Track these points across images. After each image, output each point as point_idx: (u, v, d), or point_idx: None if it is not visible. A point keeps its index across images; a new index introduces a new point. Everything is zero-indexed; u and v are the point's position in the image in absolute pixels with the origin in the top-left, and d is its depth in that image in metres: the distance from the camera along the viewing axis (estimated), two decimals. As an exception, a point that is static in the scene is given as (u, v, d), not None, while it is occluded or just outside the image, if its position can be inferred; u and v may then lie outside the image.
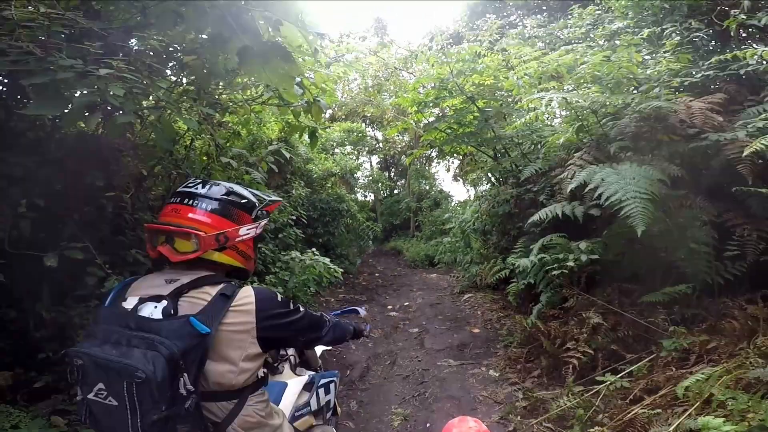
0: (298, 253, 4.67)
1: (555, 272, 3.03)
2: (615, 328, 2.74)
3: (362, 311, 1.86)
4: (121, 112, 1.32)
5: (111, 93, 1.22)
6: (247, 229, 1.22)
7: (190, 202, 1.15)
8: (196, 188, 1.18)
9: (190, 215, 1.14)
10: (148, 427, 0.92)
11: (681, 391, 1.93)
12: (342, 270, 5.19)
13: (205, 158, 3.40)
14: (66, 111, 1.28)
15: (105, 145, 1.98)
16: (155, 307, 1.04)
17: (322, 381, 1.74)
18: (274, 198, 1.41)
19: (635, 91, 3.06)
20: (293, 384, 1.62)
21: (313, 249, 4.90)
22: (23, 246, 1.57)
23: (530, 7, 6.63)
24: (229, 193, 1.21)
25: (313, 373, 1.79)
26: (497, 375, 3.40)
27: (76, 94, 1.33)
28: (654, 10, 3.33)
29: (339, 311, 1.87)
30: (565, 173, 3.04)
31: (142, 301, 1.05)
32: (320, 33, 1.90)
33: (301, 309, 1.23)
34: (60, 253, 1.65)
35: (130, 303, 1.06)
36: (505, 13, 6.96)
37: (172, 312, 1.02)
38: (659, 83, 2.75)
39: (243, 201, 1.23)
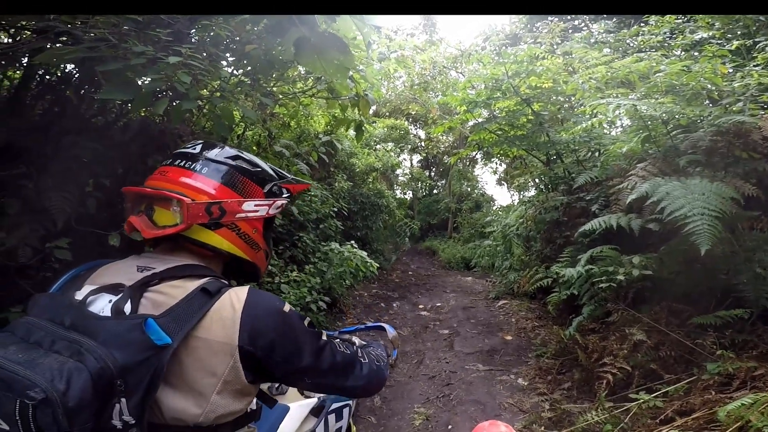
0: (338, 245, 4.70)
1: (602, 285, 2.93)
2: (657, 347, 2.64)
3: (391, 330, 1.39)
4: (184, 98, 1.35)
5: (178, 80, 1.23)
6: (256, 205, 0.92)
7: (183, 163, 0.88)
8: (194, 148, 0.92)
9: (182, 179, 0.86)
10: None
11: (722, 414, 1.86)
12: (377, 265, 5.19)
13: (255, 147, 3.47)
14: (135, 97, 1.30)
15: (166, 130, 2.05)
16: (110, 301, 0.76)
17: (335, 405, 1.42)
18: (297, 179, 1.09)
19: (711, 105, 2.87)
20: (297, 409, 1.31)
21: (352, 242, 4.92)
22: (88, 224, 1.64)
23: (598, 11, 6.31)
24: (237, 157, 0.93)
25: (324, 395, 1.42)
26: (525, 384, 3.34)
27: (145, 81, 1.36)
28: (747, 22, 3.12)
29: (363, 326, 1.49)
30: (624, 184, 2.89)
31: (98, 291, 0.78)
32: (377, 26, 1.86)
33: (323, 337, 0.89)
34: (121, 233, 1.69)
35: (83, 292, 0.78)
36: (569, 17, 6.64)
37: (125, 309, 0.74)
38: (745, 97, 2.55)
39: (254, 168, 0.95)
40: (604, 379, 2.63)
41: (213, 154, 0.91)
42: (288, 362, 0.81)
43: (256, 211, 0.93)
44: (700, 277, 2.68)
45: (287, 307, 0.84)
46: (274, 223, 1.05)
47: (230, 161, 0.91)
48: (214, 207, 0.85)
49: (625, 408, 2.33)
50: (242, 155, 0.95)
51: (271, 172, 0.99)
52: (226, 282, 0.85)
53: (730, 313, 2.42)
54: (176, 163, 0.88)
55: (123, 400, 0.67)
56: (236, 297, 0.79)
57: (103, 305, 0.76)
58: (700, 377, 2.29)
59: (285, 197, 1.02)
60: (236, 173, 0.91)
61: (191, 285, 0.78)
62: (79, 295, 0.78)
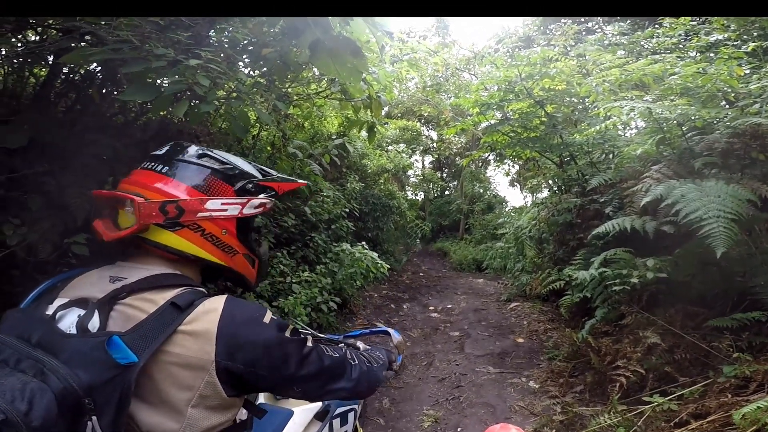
0: (349, 246, 4.73)
1: (616, 288, 2.91)
2: (672, 350, 2.61)
3: (396, 335, 1.37)
4: (202, 101, 1.38)
5: (198, 82, 1.27)
6: (223, 204, 0.87)
7: (149, 164, 0.86)
8: (161, 150, 0.90)
9: (143, 179, 0.84)
10: None
11: (738, 417, 1.83)
12: (388, 266, 5.20)
13: (269, 148, 3.52)
14: (155, 98, 1.34)
15: (184, 130, 2.10)
16: (78, 316, 0.73)
17: (340, 409, 1.38)
18: (284, 177, 1.03)
19: (728, 107, 2.83)
20: (300, 413, 1.28)
21: (363, 243, 4.95)
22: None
23: (613, 13, 6.24)
24: (203, 155, 0.89)
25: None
26: (537, 387, 3.32)
27: (165, 82, 1.40)
28: (763, 24, 3.07)
29: (368, 330, 1.48)
30: (639, 186, 2.86)
31: (68, 305, 0.75)
32: (389, 31, 1.88)
33: (309, 343, 0.84)
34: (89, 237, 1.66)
35: (54, 306, 0.76)
36: (582, 19, 6.58)
37: (92, 325, 0.71)
38: (762, 99, 2.51)
39: (222, 165, 0.90)
40: (617, 381, 2.60)
41: (179, 153, 0.89)
42: (272, 374, 0.78)
43: (224, 210, 0.87)
44: (715, 280, 2.64)
45: (267, 317, 0.79)
46: (252, 224, 0.98)
47: (195, 159, 0.88)
48: (170, 206, 0.81)
49: (639, 411, 2.31)
50: (210, 153, 0.91)
51: (249, 169, 0.95)
52: (204, 291, 0.81)
53: (747, 315, 2.39)
54: (144, 165, 0.87)
55: (94, 418, 0.65)
56: (212, 309, 0.75)
57: (72, 321, 0.73)
58: (715, 380, 2.26)
59: (265, 196, 0.95)
60: (201, 171, 0.87)
61: (161, 298, 0.75)
62: (51, 309, 0.76)
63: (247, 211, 0.91)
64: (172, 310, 0.73)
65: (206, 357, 0.71)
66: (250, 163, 0.99)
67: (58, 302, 0.77)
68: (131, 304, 0.74)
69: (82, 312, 0.73)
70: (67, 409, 0.62)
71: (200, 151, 0.91)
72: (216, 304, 0.76)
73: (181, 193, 0.83)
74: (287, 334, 0.81)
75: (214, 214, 0.86)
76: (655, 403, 2.26)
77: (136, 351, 0.67)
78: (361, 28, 1.89)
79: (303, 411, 1.29)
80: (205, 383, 0.72)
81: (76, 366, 0.65)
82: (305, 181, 1.10)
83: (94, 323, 0.72)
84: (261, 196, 0.95)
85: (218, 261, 0.89)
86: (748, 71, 2.85)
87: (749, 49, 3.00)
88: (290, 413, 1.26)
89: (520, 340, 4.44)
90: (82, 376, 0.64)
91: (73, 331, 0.71)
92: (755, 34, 3.33)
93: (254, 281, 1.01)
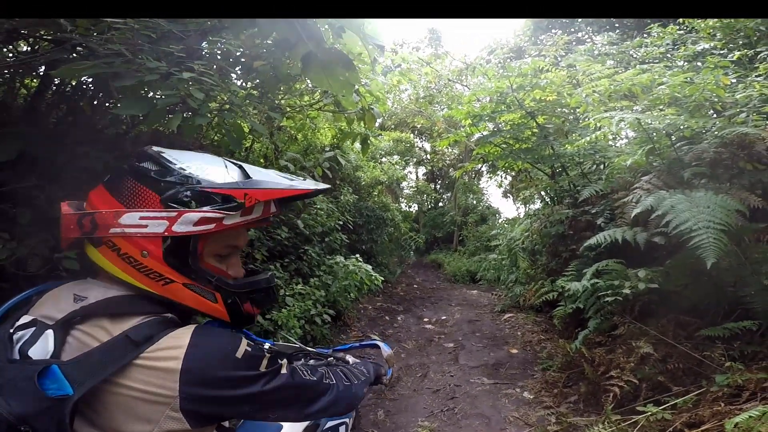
0: (343, 258, 4.71)
1: (608, 299, 2.93)
2: (665, 360, 2.62)
3: (386, 349, 1.35)
4: (196, 113, 1.38)
5: (191, 96, 1.26)
6: (142, 218, 0.71)
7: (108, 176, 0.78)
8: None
9: (90, 192, 0.77)
10: None
11: (730, 426, 1.83)
12: (382, 279, 5.18)
13: (262, 160, 3.52)
14: (149, 112, 1.33)
15: (176, 143, 2.09)
16: (26, 338, 0.68)
17: (330, 423, 1.37)
18: (262, 181, 0.81)
19: (716, 116, 2.88)
20: (290, 427, 1.28)
21: (357, 255, 4.93)
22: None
23: (601, 23, 6.35)
24: (145, 157, 0.76)
25: None
26: (531, 397, 3.32)
27: (158, 95, 1.39)
28: (748, 32, 3.13)
29: (357, 344, 1.48)
30: (629, 197, 2.90)
31: (30, 324, 0.70)
32: (380, 44, 1.90)
33: (283, 371, 0.77)
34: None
35: (19, 323, 0.71)
36: (572, 29, 6.72)
37: (44, 349, 0.66)
38: (748, 108, 2.56)
39: (156, 168, 0.74)
40: (610, 391, 2.61)
41: (131, 159, 0.78)
42: (241, 409, 0.72)
43: (143, 226, 0.71)
44: (707, 290, 2.66)
45: (241, 351, 0.71)
46: (195, 246, 0.76)
47: (134, 162, 0.76)
48: (86, 218, 0.71)
49: (633, 421, 2.31)
50: (158, 155, 0.76)
51: (198, 172, 0.76)
52: (171, 318, 0.74)
53: (738, 324, 2.41)
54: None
55: None
56: (176, 343, 0.67)
57: (23, 342, 0.68)
58: (708, 389, 2.28)
59: (214, 209, 0.74)
60: (128, 176, 0.74)
61: (116, 329, 0.68)
62: (13, 328, 0.70)
63: (178, 228, 0.72)
64: (125, 342, 0.66)
65: (168, 393, 0.65)
66: (237, 165, 0.82)
67: (22, 320, 0.71)
68: (85, 331, 0.68)
69: (30, 334, 0.68)
70: None
71: (147, 152, 0.77)
72: (182, 338, 0.68)
73: (98, 203, 0.73)
74: (261, 368, 0.73)
75: (127, 230, 0.71)
76: (649, 413, 2.27)
77: (74, 382, 0.62)
78: (354, 40, 1.91)
79: (292, 426, 1.27)
80: (166, 417, 0.66)
81: (9, 394, 0.60)
82: (293, 190, 0.83)
83: (47, 348, 0.67)
84: (206, 208, 0.73)
85: (146, 288, 0.74)
86: (734, 80, 2.91)
87: (735, 58, 3.07)
88: (279, 427, 1.26)
89: (514, 351, 4.43)
90: (13, 405, 0.59)
91: (17, 356, 0.66)
92: (740, 42, 3.39)
93: (227, 318, 0.82)
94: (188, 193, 0.73)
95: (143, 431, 0.66)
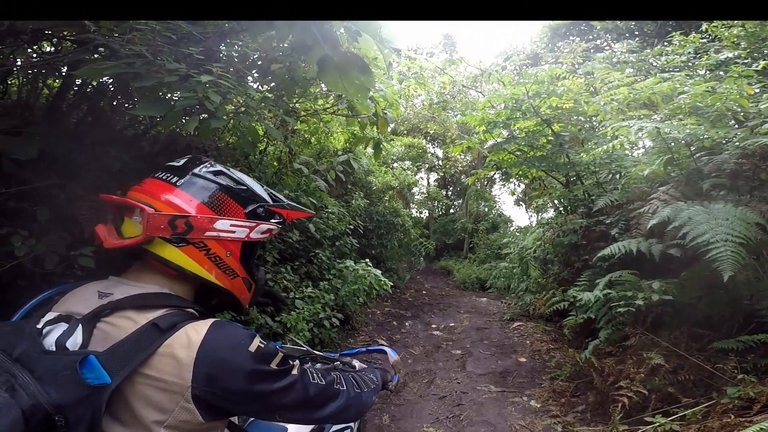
0: (353, 263, 4.70)
1: (621, 309, 2.89)
2: (676, 371, 2.58)
3: (393, 354, 1.34)
4: (212, 116, 1.39)
5: (208, 98, 1.27)
6: (232, 225, 0.85)
7: (164, 175, 0.85)
8: (179, 162, 0.89)
9: (155, 190, 0.82)
10: None
11: None
12: (391, 284, 5.16)
13: (276, 163, 3.54)
14: (167, 113, 1.34)
15: (192, 144, 2.11)
16: (62, 331, 0.73)
17: (335, 427, 1.36)
18: (294, 205, 1.02)
19: (738, 126, 2.82)
20: (295, 430, 1.27)
21: (366, 260, 4.92)
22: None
23: (620, 30, 6.27)
24: (220, 173, 0.88)
25: None
26: (538, 406, 3.28)
27: (176, 97, 1.41)
28: None
29: (364, 349, 1.48)
30: (646, 208, 2.85)
31: (57, 320, 0.74)
32: (396, 48, 1.89)
33: (294, 371, 0.80)
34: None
35: (45, 319, 0.76)
36: (591, 36, 6.65)
37: (75, 342, 0.70)
38: (773, 120, 2.50)
39: (237, 186, 0.89)
40: (619, 402, 2.57)
41: (197, 168, 0.87)
42: (251, 405, 0.76)
43: (232, 232, 0.86)
44: (722, 303, 2.62)
45: (254, 345, 0.75)
46: (256, 249, 0.97)
47: (211, 176, 0.86)
48: (180, 221, 0.79)
49: (641, 431, 2.28)
50: (227, 171, 0.90)
51: (261, 193, 0.94)
52: (193, 312, 0.79)
53: (753, 338, 2.36)
54: (158, 175, 0.85)
55: None
56: (194, 334, 0.72)
57: (56, 336, 0.72)
58: (719, 401, 2.23)
59: (274, 222, 0.94)
60: (215, 189, 0.85)
61: (143, 318, 0.73)
62: (41, 323, 0.75)
63: (254, 235, 0.90)
64: (152, 331, 0.71)
65: (182, 383, 0.69)
66: (263, 187, 0.97)
67: (48, 316, 0.76)
68: (112, 323, 0.73)
69: (66, 326, 0.73)
70: (35, 425, 0.61)
71: (217, 168, 0.89)
72: (200, 329, 0.73)
73: (192, 209, 0.82)
74: (273, 364, 0.77)
75: (222, 234, 0.85)
76: (657, 424, 2.24)
77: (110, 371, 0.66)
78: (369, 44, 1.90)
79: (298, 428, 1.27)
80: (180, 407, 0.69)
81: (48, 383, 0.64)
82: (312, 212, 1.11)
83: (76, 340, 0.71)
84: (271, 221, 0.94)
85: (217, 282, 0.86)
86: (758, 90, 2.85)
87: (759, 68, 3.01)
88: (284, 429, 1.25)
89: (523, 360, 4.39)
90: (52, 393, 0.63)
91: (53, 347, 0.70)
92: (766, 51, 3.32)
93: (247, 305, 0.99)
94: (262, 209, 0.92)
95: (156, 420, 0.69)
